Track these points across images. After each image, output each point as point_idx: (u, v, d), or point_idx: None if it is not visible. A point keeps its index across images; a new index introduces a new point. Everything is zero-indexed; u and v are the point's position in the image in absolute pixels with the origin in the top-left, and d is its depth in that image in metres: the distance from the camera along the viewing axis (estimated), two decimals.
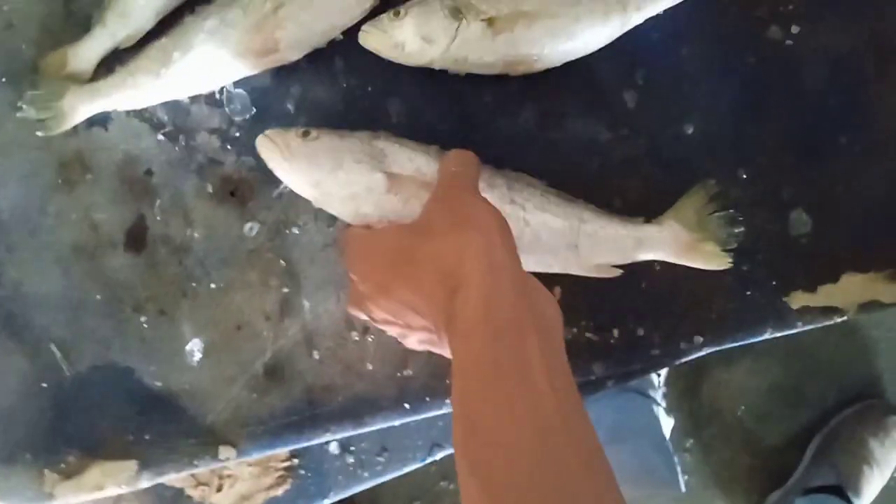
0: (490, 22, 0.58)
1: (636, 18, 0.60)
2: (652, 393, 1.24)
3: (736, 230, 0.60)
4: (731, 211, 0.60)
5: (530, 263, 0.59)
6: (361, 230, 0.58)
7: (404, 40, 0.59)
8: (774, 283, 0.63)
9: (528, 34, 0.59)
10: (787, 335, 0.65)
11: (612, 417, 1.13)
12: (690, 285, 0.63)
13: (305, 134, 0.57)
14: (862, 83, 0.61)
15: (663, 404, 1.25)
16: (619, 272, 0.61)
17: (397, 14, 0.59)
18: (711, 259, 0.60)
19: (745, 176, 0.62)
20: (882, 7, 0.61)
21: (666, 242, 0.60)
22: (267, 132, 0.57)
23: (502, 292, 0.45)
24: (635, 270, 0.63)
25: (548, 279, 0.58)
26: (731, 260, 0.60)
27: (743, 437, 1.45)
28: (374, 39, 0.60)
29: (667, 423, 1.22)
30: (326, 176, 0.56)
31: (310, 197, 0.58)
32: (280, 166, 0.57)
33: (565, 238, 0.59)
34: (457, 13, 0.58)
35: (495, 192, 0.58)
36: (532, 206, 0.59)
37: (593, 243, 0.60)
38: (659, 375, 1.31)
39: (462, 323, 0.44)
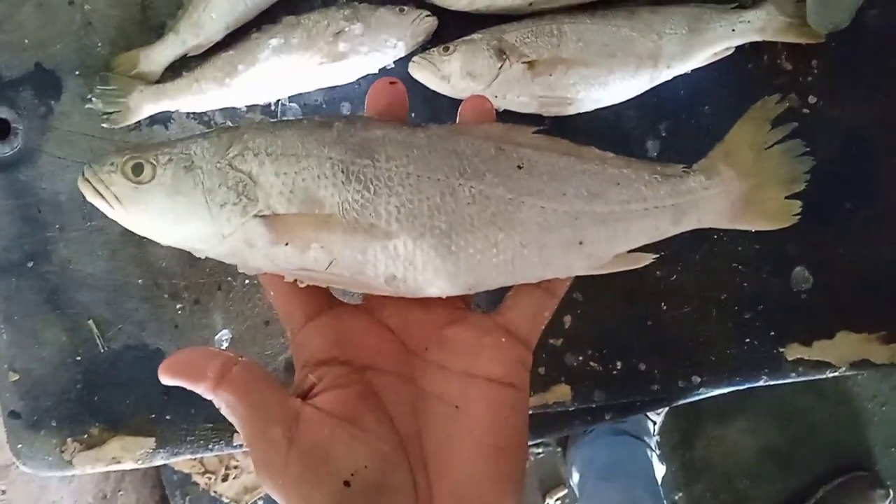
0: (530, 65, 0.63)
1: (665, 75, 0.65)
2: (647, 439, 1.27)
3: (804, 164, 0.44)
4: (797, 140, 0.44)
5: (508, 282, 0.41)
6: None
7: (451, 74, 0.64)
8: (772, 333, 0.66)
9: (565, 79, 0.64)
10: (782, 397, 0.68)
11: (605, 456, 1.16)
12: (694, 327, 0.67)
13: (136, 170, 0.38)
14: (871, 155, 0.66)
15: (657, 452, 1.28)
16: (649, 259, 0.43)
17: (446, 49, 0.64)
18: (775, 213, 0.44)
19: (753, 231, 0.65)
20: (894, 86, 0.66)
21: (716, 200, 0.43)
22: (86, 172, 0.40)
23: None
24: (643, 308, 0.67)
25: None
26: (797, 212, 0.44)
27: (731, 496, 1.47)
28: (423, 70, 0.65)
29: (659, 470, 1.24)
30: (184, 233, 0.39)
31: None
32: (117, 218, 0.40)
33: (562, 235, 0.40)
34: (501, 54, 0.64)
35: (444, 187, 0.39)
36: (504, 197, 0.39)
37: (609, 231, 0.41)
38: (654, 423, 1.34)
39: None
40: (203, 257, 0.40)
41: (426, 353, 0.40)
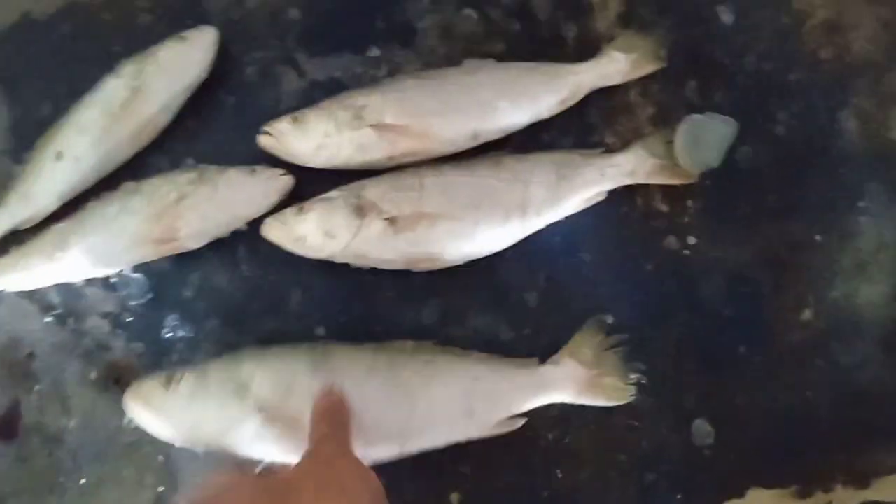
0: (392, 221, 0.59)
1: (536, 223, 0.62)
2: None
3: (633, 364, 0.60)
4: (625, 347, 0.60)
5: (424, 442, 0.56)
6: (221, 480, 0.46)
7: (306, 234, 0.59)
8: (679, 496, 0.60)
9: (430, 234, 0.59)
10: None
11: None
12: (593, 495, 0.60)
13: (167, 383, 0.55)
14: (758, 295, 0.62)
15: None
16: (521, 423, 0.58)
17: (301, 209, 0.59)
18: (613, 394, 0.59)
19: (644, 382, 0.61)
20: (775, 223, 0.63)
21: (565, 382, 0.58)
22: (132, 387, 0.55)
23: None
24: (537, 477, 0.60)
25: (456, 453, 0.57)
26: (632, 393, 0.59)
27: None
28: (276, 232, 0.60)
29: None
30: (197, 426, 0.54)
31: (190, 447, 0.56)
32: (149, 424, 0.55)
33: (460, 406, 0.57)
34: (360, 211, 0.59)
35: (377, 377, 0.56)
36: (418, 381, 0.57)
37: (490, 403, 0.57)
38: None
39: None
40: (203, 453, 0.55)
41: None
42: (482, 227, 0.60)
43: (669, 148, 0.62)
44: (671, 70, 0.64)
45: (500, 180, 0.61)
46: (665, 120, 0.64)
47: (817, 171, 0.63)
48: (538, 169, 0.61)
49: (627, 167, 0.62)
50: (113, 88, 0.61)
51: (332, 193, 0.61)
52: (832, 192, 0.63)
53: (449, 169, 0.61)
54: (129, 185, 0.61)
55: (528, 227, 0.61)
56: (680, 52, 0.64)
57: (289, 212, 0.60)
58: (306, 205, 0.60)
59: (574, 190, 0.61)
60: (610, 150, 0.63)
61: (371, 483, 0.47)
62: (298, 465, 0.47)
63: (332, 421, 0.52)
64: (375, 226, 0.59)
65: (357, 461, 0.48)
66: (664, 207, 0.63)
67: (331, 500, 0.43)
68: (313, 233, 0.59)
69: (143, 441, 0.59)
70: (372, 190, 0.60)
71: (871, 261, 0.62)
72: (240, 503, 0.43)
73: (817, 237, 0.63)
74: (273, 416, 0.53)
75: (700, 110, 0.63)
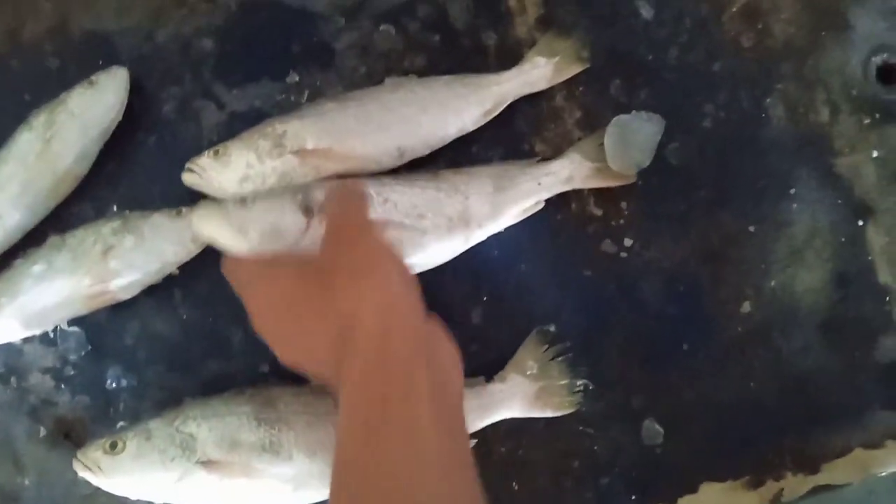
0: None
1: (479, 234, 0.61)
2: None
3: (579, 371, 0.61)
4: (570, 355, 0.61)
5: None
6: (253, 263, 0.53)
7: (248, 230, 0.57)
8: (634, 496, 0.61)
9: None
10: None
11: None
12: (550, 503, 0.61)
13: (113, 446, 0.54)
14: (697, 291, 0.63)
15: None
16: (472, 443, 0.59)
17: (244, 202, 0.57)
18: (560, 406, 0.60)
19: (591, 387, 0.61)
20: (708, 218, 0.63)
21: (513, 398, 0.59)
22: (79, 455, 0.55)
23: (395, 340, 0.45)
24: (493, 490, 0.60)
25: None
26: (579, 402, 0.61)
27: None
28: (211, 224, 0.56)
29: None
30: (146, 485, 0.55)
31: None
32: (101, 484, 0.55)
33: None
34: (308, 211, 0.57)
35: (325, 424, 0.56)
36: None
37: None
38: None
39: (348, 369, 0.44)
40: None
41: None
42: (427, 237, 0.59)
43: (603, 150, 0.61)
44: (595, 71, 0.63)
45: (439, 190, 0.60)
46: (594, 122, 0.63)
47: (747, 161, 0.63)
48: (475, 182, 0.61)
49: (564, 174, 0.62)
50: (26, 141, 0.60)
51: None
52: (763, 182, 0.63)
53: (389, 179, 0.60)
54: (54, 240, 0.59)
55: (471, 237, 0.61)
56: (602, 52, 0.63)
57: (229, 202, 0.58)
58: (248, 197, 0.58)
59: (511, 201, 0.61)
60: (542, 158, 0.63)
61: (397, 262, 0.49)
62: (324, 248, 0.50)
63: (349, 203, 0.53)
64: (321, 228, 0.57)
65: (379, 240, 0.50)
66: (598, 212, 0.63)
67: (360, 280, 0.46)
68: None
69: (99, 493, 0.59)
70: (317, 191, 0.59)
71: (806, 247, 0.63)
72: (277, 290, 0.50)
73: (751, 228, 0.63)
74: (220, 470, 0.54)
75: (627, 109, 0.62)
